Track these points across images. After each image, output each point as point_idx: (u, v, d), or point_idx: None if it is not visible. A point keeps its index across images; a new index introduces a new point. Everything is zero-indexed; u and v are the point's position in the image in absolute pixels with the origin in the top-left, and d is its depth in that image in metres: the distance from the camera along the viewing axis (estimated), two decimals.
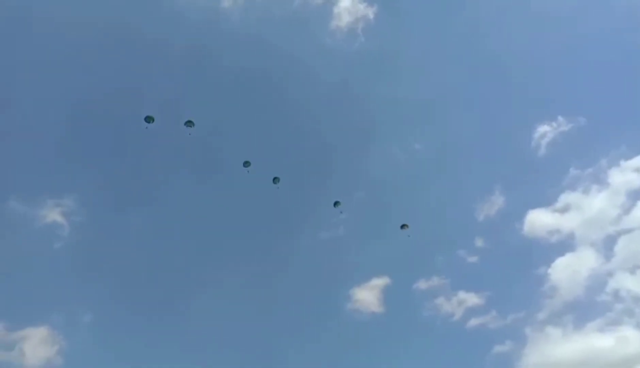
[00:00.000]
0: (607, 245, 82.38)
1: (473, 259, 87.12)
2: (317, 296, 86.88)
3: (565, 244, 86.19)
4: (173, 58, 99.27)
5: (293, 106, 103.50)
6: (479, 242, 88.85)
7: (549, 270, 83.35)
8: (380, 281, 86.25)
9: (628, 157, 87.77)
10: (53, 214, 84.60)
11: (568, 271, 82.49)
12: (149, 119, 60.86)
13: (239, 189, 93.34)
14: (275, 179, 64.41)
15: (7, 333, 73.04)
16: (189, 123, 62.01)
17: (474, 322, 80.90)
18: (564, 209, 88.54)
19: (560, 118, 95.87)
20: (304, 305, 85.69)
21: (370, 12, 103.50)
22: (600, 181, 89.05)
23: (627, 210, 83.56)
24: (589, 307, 78.63)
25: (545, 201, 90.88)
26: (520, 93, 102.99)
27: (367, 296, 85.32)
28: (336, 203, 69.43)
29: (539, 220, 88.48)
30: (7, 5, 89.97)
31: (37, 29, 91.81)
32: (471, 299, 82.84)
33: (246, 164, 64.49)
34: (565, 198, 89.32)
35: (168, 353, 74.66)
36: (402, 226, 66.54)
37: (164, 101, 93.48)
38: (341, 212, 74.37)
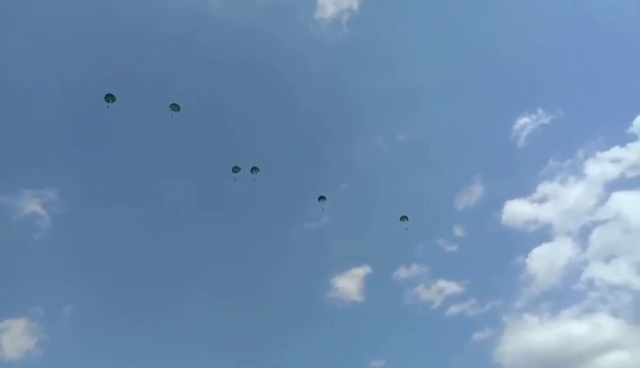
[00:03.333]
0: (583, 235, 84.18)
1: (452, 248, 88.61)
2: (299, 286, 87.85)
3: (542, 234, 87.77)
4: (158, 47, 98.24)
5: (277, 96, 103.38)
6: (459, 231, 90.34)
7: (527, 259, 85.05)
8: (360, 270, 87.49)
9: (604, 148, 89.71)
10: (32, 206, 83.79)
11: (545, 261, 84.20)
12: (109, 98, 55.71)
13: (224, 181, 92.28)
14: (254, 169, 62.75)
15: None
16: (174, 107, 59.27)
17: (453, 309, 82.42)
18: (542, 200, 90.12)
19: (539, 110, 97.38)
20: (286, 295, 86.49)
21: (355, 3, 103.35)
22: (577, 172, 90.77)
23: (602, 201, 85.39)
24: (565, 295, 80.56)
25: (524, 191, 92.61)
26: (502, 85, 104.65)
27: (348, 285, 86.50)
28: (321, 198, 68.02)
29: (518, 210, 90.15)
30: None
31: (19, 16, 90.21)
32: (450, 287, 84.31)
33: (235, 169, 63.03)
34: (543, 188, 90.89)
35: (147, 348, 75.21)
36: (402, 218, 65.39)
37: (150, 91, 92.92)
38: (322, 209, 73.46)
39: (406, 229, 66.14)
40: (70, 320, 76.57)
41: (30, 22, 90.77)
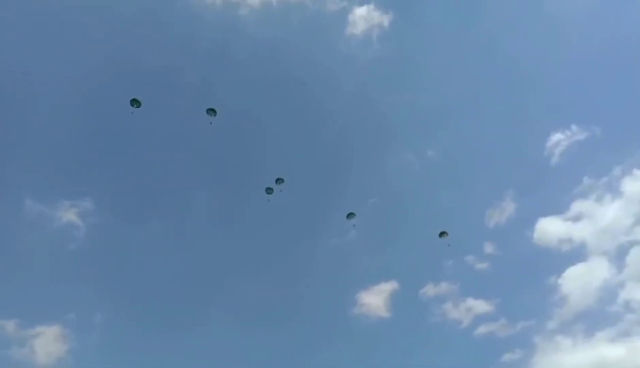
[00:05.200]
0: (619, 255, 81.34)
1: (482, 265, 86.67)
2: (324, 301, 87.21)
3: (576, 253, 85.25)
4: (191, 61, 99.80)
5: (307, 110, 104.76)
6: (489, 248, 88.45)
7: (560, 279, 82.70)
8: (387, 286, 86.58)
9: None
10: (69, 215, 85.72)
11: (579, 281, 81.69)
12: (134, 103, 54.59)
13: (252, 195, 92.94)
14: (278, 181, 62.50)
15: (20, 331, 74.48)
16: (211, 112, 58.06)
17: (482, 329, 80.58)
18: (576, 218, 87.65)
19: (574, 127, 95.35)
20: (311, 309, 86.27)
21: (385, 20, 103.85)
22: (613, 189, 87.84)
23: None
24: (600, 317, 77.96)
25: (557, 209, 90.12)
26: (535, 101, 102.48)
27: (374, 300, 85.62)
28: (350, 215, 66.98)
29: (551, 228, 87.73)
30: None
31: (51, 26, 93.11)
32: (480, 306, 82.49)
33: (269, 191, 63.36)
34: (578, 206, 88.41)
35: (174, 360, 75.08)
36: (441, 234, 63.59)
37: (182, 103, 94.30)
38: (354, 225, 72.08)
39: (449, 245, 64.88)
40: (100, 328, 78.15)
41: (69, 33, 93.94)
